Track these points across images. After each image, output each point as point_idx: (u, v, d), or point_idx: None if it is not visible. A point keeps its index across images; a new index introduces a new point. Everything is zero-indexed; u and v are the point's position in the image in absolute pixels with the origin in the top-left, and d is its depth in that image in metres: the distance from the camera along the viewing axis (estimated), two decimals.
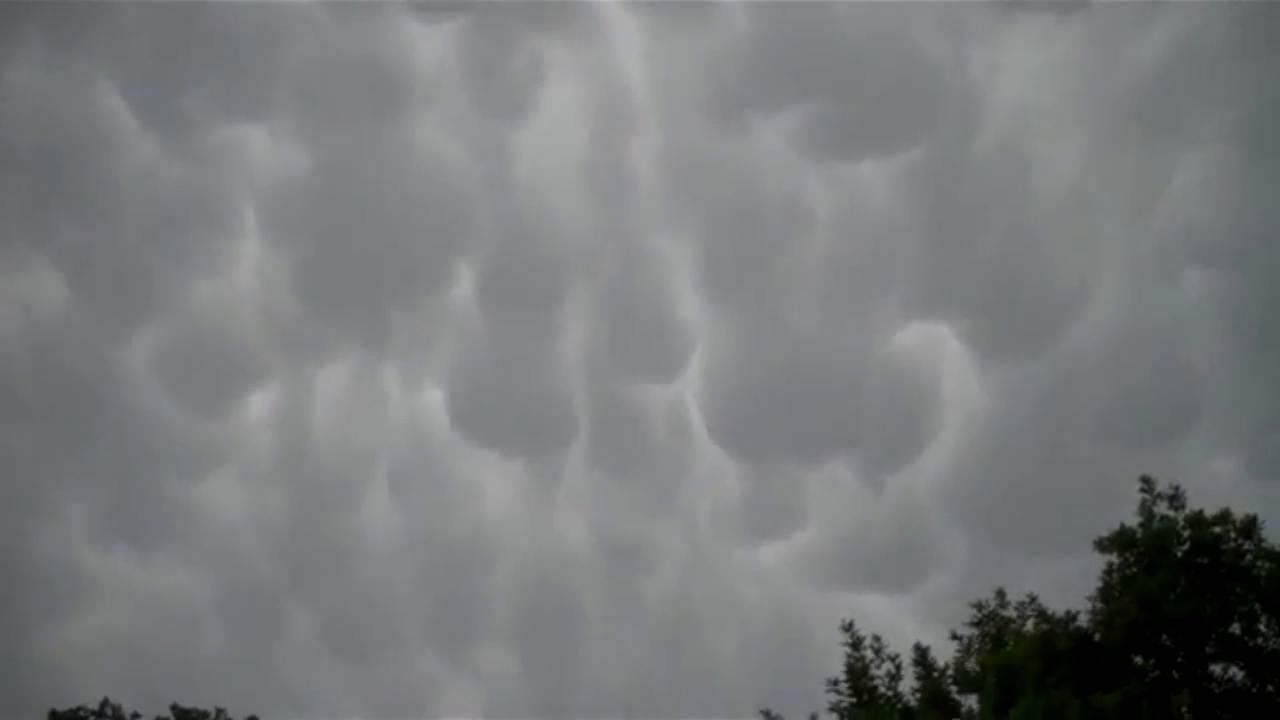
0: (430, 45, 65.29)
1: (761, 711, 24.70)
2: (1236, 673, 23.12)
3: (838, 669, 24.62)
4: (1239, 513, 23.83)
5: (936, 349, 62.97)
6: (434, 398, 63.81)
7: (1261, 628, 23.25)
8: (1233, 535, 23.45)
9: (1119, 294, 61.01)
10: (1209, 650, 23.17)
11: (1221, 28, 60.30)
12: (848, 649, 24.47)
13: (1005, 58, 64.67)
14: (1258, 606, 23.17)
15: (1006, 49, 64.52)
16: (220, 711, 38.58)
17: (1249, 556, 23.43)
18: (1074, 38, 63.82)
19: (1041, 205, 63.13)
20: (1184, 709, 22.29)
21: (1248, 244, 58.17)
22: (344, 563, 57.93)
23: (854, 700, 24.12)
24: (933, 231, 63.80)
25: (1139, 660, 23.29)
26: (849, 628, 24.57)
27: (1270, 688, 22.90)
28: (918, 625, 34.51)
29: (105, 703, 38.79)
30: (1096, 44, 63.79)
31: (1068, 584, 27.56)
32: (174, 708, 38.33)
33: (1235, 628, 23.17)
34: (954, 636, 24.67)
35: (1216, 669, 23.18)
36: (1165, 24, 61.70)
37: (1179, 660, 23.21)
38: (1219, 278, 59.57)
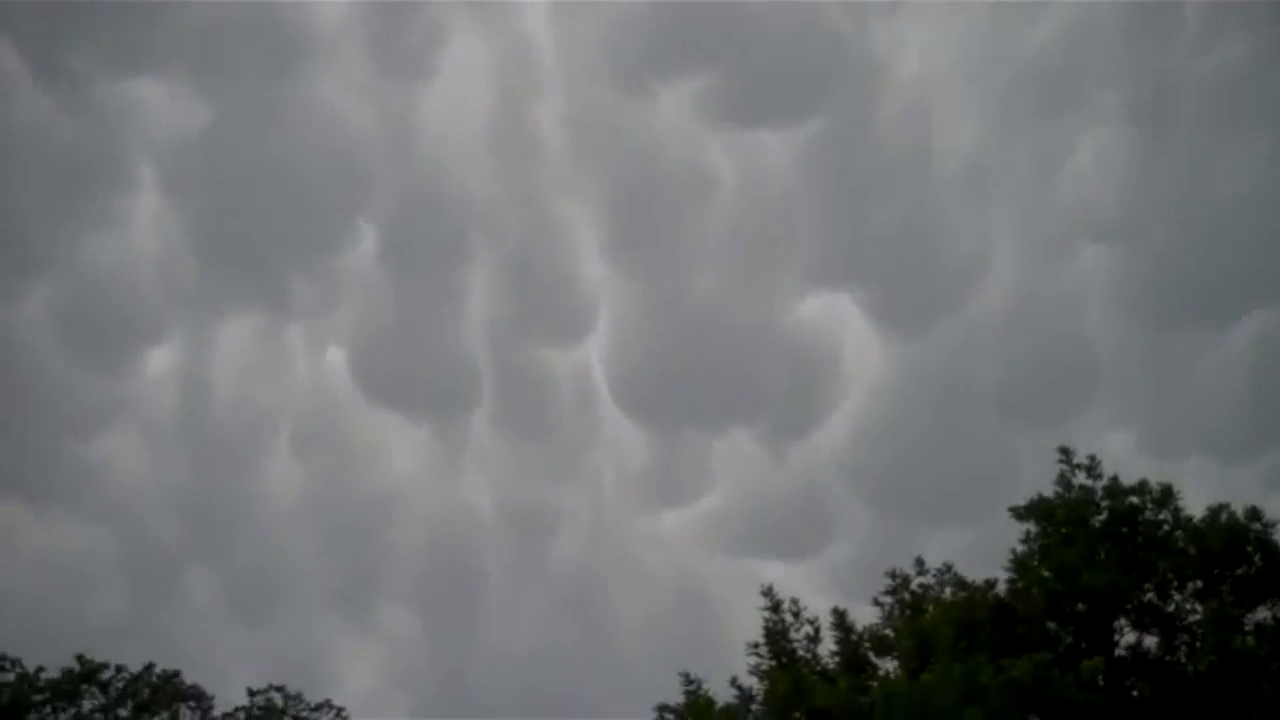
0: (331, 4, 64.64)
1: (680, 673, 24.86)
2: (1150, 641, 23.62)
3: (742, 634, 24.91)
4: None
5: (838, 319, 63.51)
6: (337, 358, 63.43)
7: (1175, 596, 23.80)
8: (1149, 505, 23.93)
9: (1017, 268, 61.82)
10: (1123, 619, 23.64)
11: (1122, 5, 61.23)
12: (767, 613, 24.70)
13: (908, 30, 65.29)
14: (1172, 576, 23.71)
15: (909, 21, 65.08)
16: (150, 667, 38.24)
17: (1165, 527, 23.92)
18: (976, 11, 64.43)
19: (942, 177, 63.73)
20: (1098, 676, 22.69)
21: (1142, 221, 59.25)
22: (244, 523, 57.46)
23: (774, 662, 24.37)
24: (834, 201, 64.18)
25: (1054, 627, 23.73)
26: (769, 591, 24.80)
27: (1182, 657, 23.42)
28: (817, 593, 34.80)
29: (3, 656, 38.16)
30: (998, 18, 64.46)
31: (963, 553, 28.03)
32: (79, 658, 37.83)
33: (1151, 596, 23.68)
34: (875, 603, 25.02)
35: (1130, 637, 23.68)
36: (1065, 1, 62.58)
37: (1093, 629, 23.64)
38: (1114, 254, 60.60)
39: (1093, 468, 24.31)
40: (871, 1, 63.79)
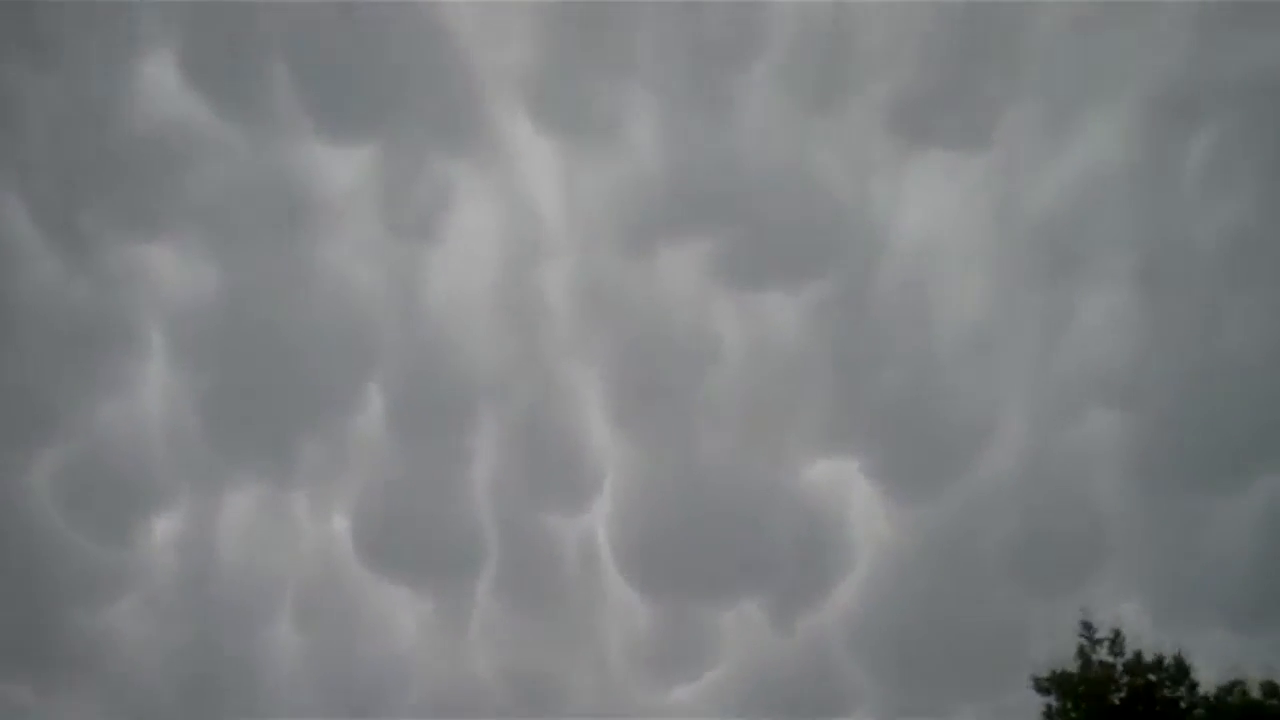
0: (340, 169, 64.83)
1: None
2: None
3: None
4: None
5: (844, 485, 62.96)
6: (341, 526, 62.87)
7: None
8: (1167, 681, 23.65)
9: (1024, 432, 61.51)
10: None
11: (1124, 167, 61.70)
12: None
13: (908, 193, 65.55)
14: None
15: (909, 184, 65.37)
16: None
17: (1182, 704, 23.61)
18: (976, 174, 64.67)
19: (946, 341, 63.57)
20: None
21: (1151, 384, 59.00)
22: (248, 694, 56.69)
23: None
24: (839, 365, 63.94)
25: None
26: None
27: None
28: None
29: None
30: (999, 181, 64.73)
31: None
32: None
33: None
34: None
35: None
36: (1067, 162, 62.96)
37: None
38: (1123, 418, 60.28)
39: (1115, 642, 24.13)
40: (870, 165, 64.40)
